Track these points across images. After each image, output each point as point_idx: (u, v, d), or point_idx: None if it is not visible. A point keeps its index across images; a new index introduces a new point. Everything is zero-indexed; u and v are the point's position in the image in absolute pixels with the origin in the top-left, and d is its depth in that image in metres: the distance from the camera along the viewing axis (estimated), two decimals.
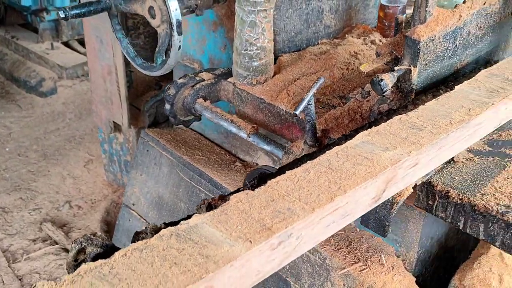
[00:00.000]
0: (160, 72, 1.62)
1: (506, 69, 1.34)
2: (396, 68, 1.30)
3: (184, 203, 1.99)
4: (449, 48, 1.35)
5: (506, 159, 1.34)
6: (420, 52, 1.26)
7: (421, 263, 1.61)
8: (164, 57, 1.57)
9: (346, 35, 1.96)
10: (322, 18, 1.90)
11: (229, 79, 1.71)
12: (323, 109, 1.56)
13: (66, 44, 3.95)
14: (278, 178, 0.94)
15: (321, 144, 1.36)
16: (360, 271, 1.55)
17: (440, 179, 1.28)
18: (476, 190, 1.24)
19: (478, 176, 1.29)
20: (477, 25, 1.40)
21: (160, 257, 0.78)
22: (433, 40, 1.27)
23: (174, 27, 1.49)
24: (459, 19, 1.32)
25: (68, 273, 0.79)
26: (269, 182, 0.93)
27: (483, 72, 1.32)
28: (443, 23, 1.28)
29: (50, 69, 3.68)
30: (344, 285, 1.56)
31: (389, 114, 1.34)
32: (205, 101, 1.69)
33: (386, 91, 1.27)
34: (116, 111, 2.41)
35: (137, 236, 0.89)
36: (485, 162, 1.33)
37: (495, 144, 1.40)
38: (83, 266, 0.78)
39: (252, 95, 1.63)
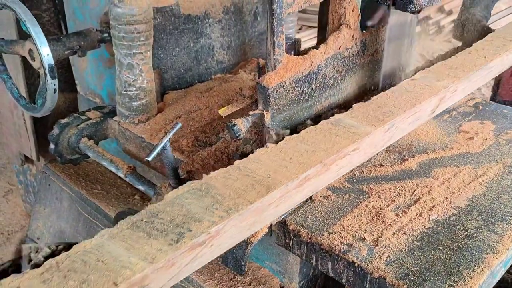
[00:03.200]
0: (40, 113, 1.64)
1: (505, 33, 1.83)
2: (250, 112, 1.35)
3: (83, 238, 2.00)
4: (304, 92, 1.41)
5: (361, 196, 1.40)
6: (271, 98, 1.32)
7: None
8: (44, 99, 1.59)
9: (240, 70, 2.02)
10: (214, 54, 1.96)
11: (115, 118, 1.74)
12: (200, 147, 1.61)
13: None
14: (380, 95, 1.43)
15: None
16: None
17: (294, 218, 1.34)
18: (325, 229, 1.30)
19: (331, 214, 1.35)
20: (334, 68, 1.47)
21: (327, 133, 1.27)
22: (283, 86, 1.34)
23: (47, 72, 1.51)
24: (311, 65, 1.39)
25: None
26: (373, 98, 1.42)
27: (488, 36, 1.80)
28: (293, 70, 1.35)
29: None
30: None
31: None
32: (90, 140, 1.72)
33: (239, 135, 1.32)
34: (25, 143, 2.41)
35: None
36: (340, 200, 1.39)
37: (354, 180, 1.47)
38: None
39: (134, 134, 1.67)
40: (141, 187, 1.53)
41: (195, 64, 1.92)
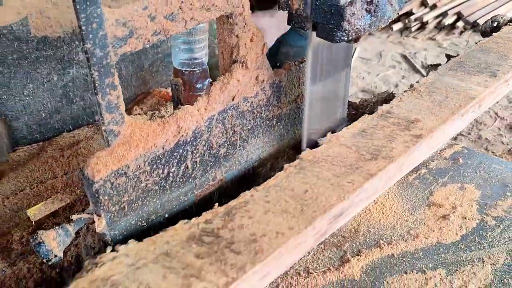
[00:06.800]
0: None
1: None
2: (74, 217, 0.82)
3: None
4: (172, 174, 0.88)
5: None
6: (101, 197, 0.78)
7: None
8: None
9: (135, 107, 1.48)
10: None
11: None
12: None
13: None
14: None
15: None
16: None
17: None
18: None
19: None
20: (227, 131, 0.94)
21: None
22: (125, 173, 0.80)
23: None
24: (179, 132, 0.85)
25: None
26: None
27: None
28: (144, 145, 0.81)
29: None
30: None
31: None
32: None
33: (51, 259, 0.79)
34: None
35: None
36: None
37: None
38: None
39: None
40: None
41: (64, 103, 1.38)
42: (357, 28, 0.86)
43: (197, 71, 1.44)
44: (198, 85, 1.46)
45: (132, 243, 0.73)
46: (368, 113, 1.04)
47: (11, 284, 0.93)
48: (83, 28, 0.68)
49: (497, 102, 3.76)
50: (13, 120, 1.29)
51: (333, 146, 0.94)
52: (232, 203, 0.79)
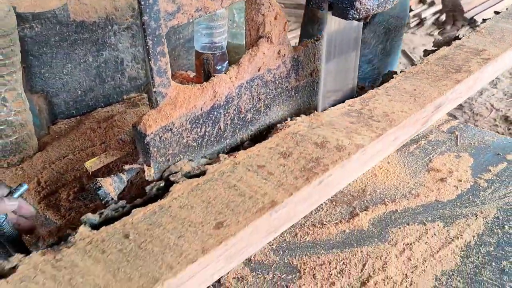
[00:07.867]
0: None
1: None
2: (126, 167, 0.96)
3: None
4: (208, 133, 1.02)
5: (289, 276, 1.02)
6: (151, 148, 0.92)
7: None
8: None
9: None
10: (124, 69, 1.56)
11: None
12: (85, 201, 1.21)
13: None
14: None
15: None
16: None
17: None
18: None
19: None
20: (253, 98, 1.08)
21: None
22: (171, 129, 0.94)
23: None
24: (215, 96, 0.99)
25: None
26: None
27: None
28: (186, 105, 0.95)
29: None
30: None
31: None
32: None
33: (108, 200, 0.93)
34: None
35: None
36: (260, 283, 1.01)
37: (284, 249, 1.08)
38: None
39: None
40: None
41: (98, 83, 1.51)
42: (367, 8, 1.00)
43: (217, 54, 1.58)
44: (218, 67, 1.60)
45: (302, 115, 1.12)
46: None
47: (66, 229, 1.07)
48: (142, 3, 0.82)
49: (493, 95, 3.91)
50: (53, 96, 1.43)
51: (425, 65, 1.30)
52: (364, 95, 1.17)
